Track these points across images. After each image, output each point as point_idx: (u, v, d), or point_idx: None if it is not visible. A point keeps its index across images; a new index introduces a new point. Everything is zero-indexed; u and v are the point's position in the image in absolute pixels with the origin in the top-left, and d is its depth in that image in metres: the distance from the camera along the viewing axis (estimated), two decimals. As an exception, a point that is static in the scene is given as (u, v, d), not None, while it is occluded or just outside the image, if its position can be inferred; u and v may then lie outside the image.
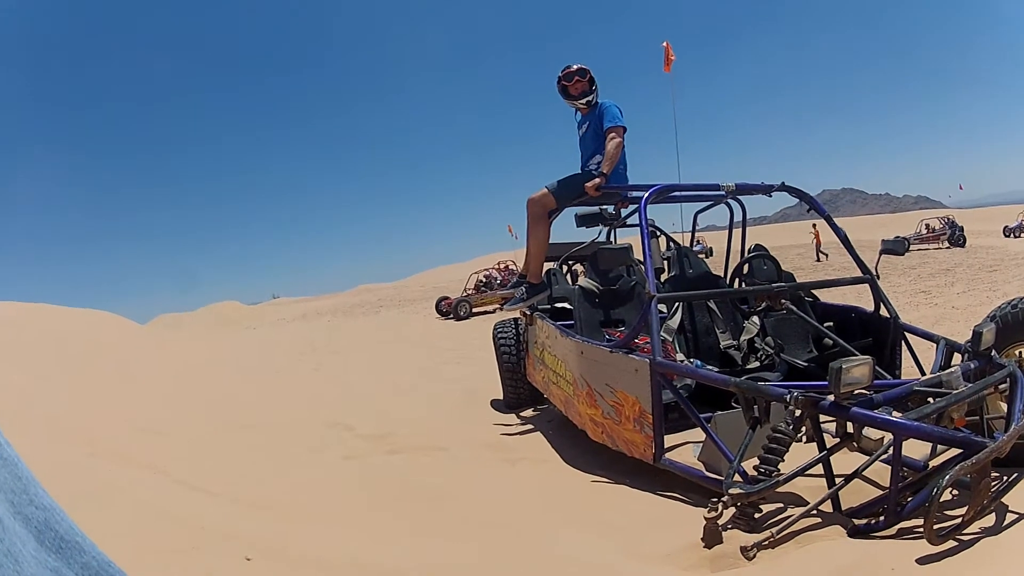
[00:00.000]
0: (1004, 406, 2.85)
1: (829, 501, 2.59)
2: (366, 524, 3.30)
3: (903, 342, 4.15)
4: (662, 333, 4.12)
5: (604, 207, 5.14)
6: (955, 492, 2.69)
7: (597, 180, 4.69)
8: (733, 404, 3.29)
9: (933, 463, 2.74)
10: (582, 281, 5.16)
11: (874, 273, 4.30)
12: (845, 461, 2.69)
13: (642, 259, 4.17)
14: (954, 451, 2.52)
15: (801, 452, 2.67)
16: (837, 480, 2.63)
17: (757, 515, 2.64)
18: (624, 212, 5.32)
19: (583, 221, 5.16)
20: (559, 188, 4.92)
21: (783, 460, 2.59)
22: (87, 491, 3.53)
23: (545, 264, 5.39)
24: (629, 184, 4.97)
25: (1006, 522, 2.36)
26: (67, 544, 0.71)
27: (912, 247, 23.81)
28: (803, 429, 2.64)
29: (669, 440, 3.50)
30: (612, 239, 6.22)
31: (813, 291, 4.99)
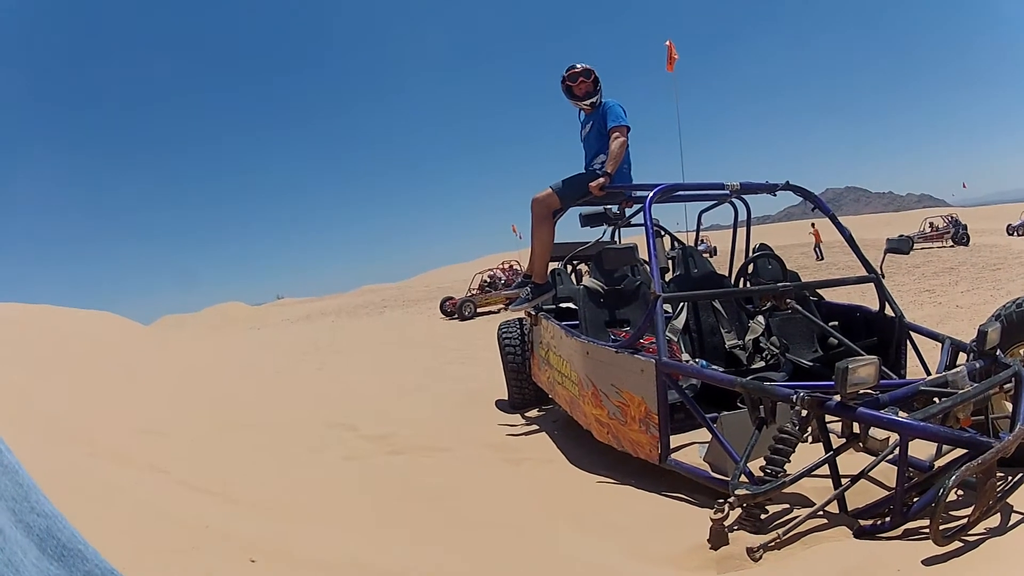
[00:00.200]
0: (1009, 406, 2.85)
1: (835, 502, 2.59)
2: (368, 525, 3.30)
3: (908, 341, 4.15)
4: (667, 333, 4.12)
5: (608, 207, 5.14)
6: (961, 492, 2.68)
7: (601, 180, 4.70)
8: (739, 404, 3.29)
9: (939, 463, 2.74)
10: (587, 281, 5.16)
11: (879, 272, 4.30)
12: (851, 461, 2.68)
13: (647, 259, 4.17)
14: (959, 451, 2.52)
15: (807, 452, 2.67)
16: (843, 481, 2.63)
17: (763, 516, 2.64)
18: (628, 212, 5.31)
19: (587, 221, 5.16)
20: (563, 188, 4.92)
21: (789, 461, 2.59)
22: (88, 492, 3.54)
23: (550, 264, 5.39)
24: (633, 184, 4.97)
25: (1012, 522, 2.35)
26: (69, 552, 0.71)
27: (916, 246, 23.75)
28: (809, 429, 2.64)
29: (675, 440, 3.50)
30: (617, 239, 6.22)
31: (818, 290, 4.99)
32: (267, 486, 4.04)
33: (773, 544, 2.41)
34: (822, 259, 23.73)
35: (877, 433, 2.52)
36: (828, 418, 2.65)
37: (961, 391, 2.63)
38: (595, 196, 4.79)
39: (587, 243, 5.97)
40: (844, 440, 2.61)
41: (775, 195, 4.59)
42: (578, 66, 5.06)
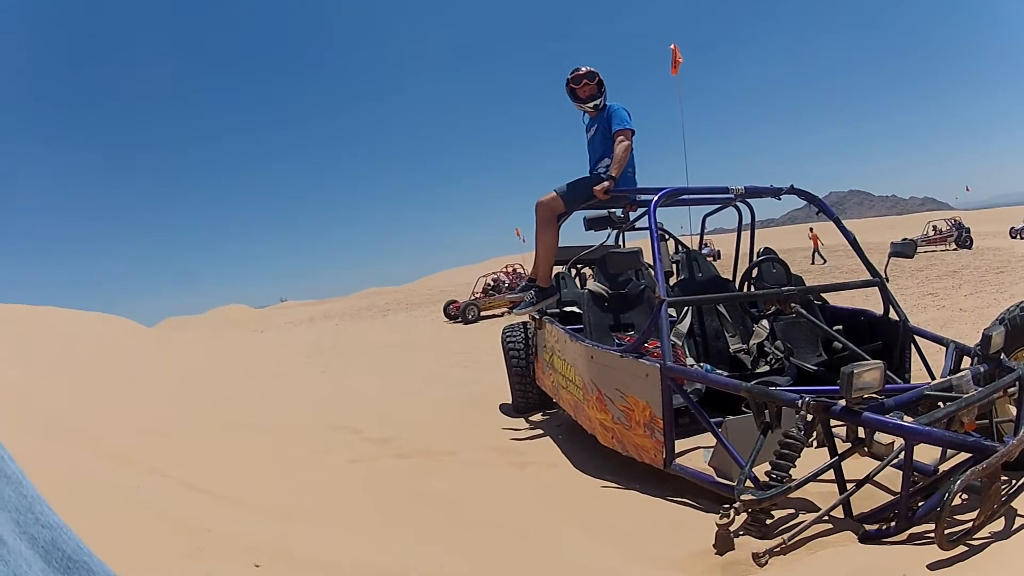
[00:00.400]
0: (1013, 410, 2.84)
1: (840, 506, 2.59)
2: (372, 528, 3.31)
3: (912, 345, 4.15)
4: (672, 337, 4.12)
5: (613, 210, 5.14)
6: (965, 497, 2.68)
7: (606, 183, 4.70)
8: (744, 409, 3.29)
9: (943, 468, 2.74)
10: (591, 285, 5.16)
11: (883, 276, 4.30)
12: (856, 466, 2.69)
13: (651, 263, 4.17)
14: (964, 455, 2.52)
15: (812, 457, 2.68)
16: (848, 485, 2.63)
17: (769, 521, 2.65)
18: (633, 215, 5.32)
19: (592, 225, 5.16)
20: (568, 191, 4.92)
21: (794, 465, 2.60)
22: (90, 493, 3.55)
23: (554, 268, 5.39)
24: (638, 187, 4.97)
25: (1016, 526, 2.35)
26: (75, 564, 0.70)
27: (919, 249, 23.71)
28: (814, 434, 2.64)
29: (679, 445, 3.50)
30: (621, 243, 6.22)
31: (822, 294, 4.99)
32: (271, 489, 4.04)
33: (778, 549, 2.41)
34: (825, 263, 23.73)
35: (882, 438, 2.51)
36: (833, 422, 2.65)
37: (965, 395, 2.63)
38: (599, 200, 4.80)
39: (591, 247, 5.98)
40: (849, 445, 2.61)
41: (779, 199, 4.59)
42: (582, 69, 5.06)
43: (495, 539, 3.06)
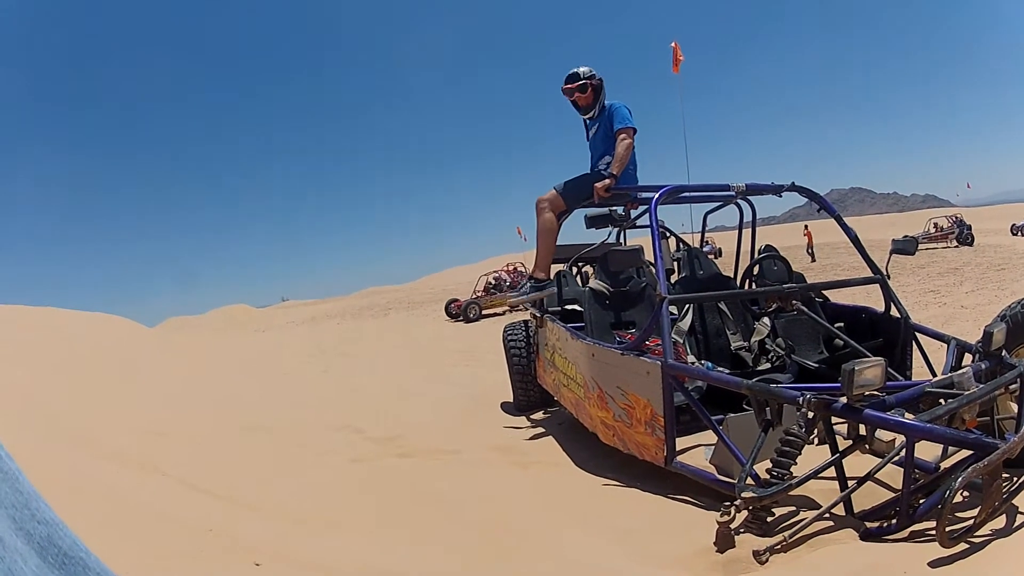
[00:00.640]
0: (1015, 407, 2.84)
1: (841, 504, 2.59)
2: (374, 529, 3.31)
3: (914, 342, 4.14)
4: (673, 335, 4.11)
5: (614, 208, 5.14)
6: (966, 494, 2.68)
7: (607, 181, 4.70)
8: (745, 406, 3.29)
9: (945, 465, 2.73)
10: (592, 283, 5.16)
11: (884, 273, 4.29)
12: (857, 463, 2.68)
13: (652, 260, 4.17)
14: (965, 452, 2.52)
15: (813, 454, 2.68)
16: (850, 483, 2.63)
17: (770, 519, 2.65)
18: (634, 213, 5.31)
19: (593, 223, 5.16)
20: (568, 189, 4.92)
21: (795, 463, 2.59)
22: (91, 494, 3.56)
23: (555, 266, 5.38)
24: (639, 185, 4.97)
25: (1017, 524, 2.35)
26: (71, 560, 0.70)
27: (921, 246, 23.73)
28: (815, 431, 2.64)
29: (681, 443, 3.50)
30: (622, 241, 6.22)
31: (823, 291, 4.98)
32: (272, 489, 4.05)
33: (779, 547, 2.41)
34: (813, 260, 23.90)
35: (883, 435, 2.51)
36: (834, 420, 2.65)
37: (967, 392, 2.63)
38: (600, 197, 4.79)
39: (592, 245, 5.98)
40: (850, 442, 2.61)
41: (780, 196, 4.58)
42: (580, 74, 5.01)
43: (496, 539, 3.06)
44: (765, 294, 4.56)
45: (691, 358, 4.50)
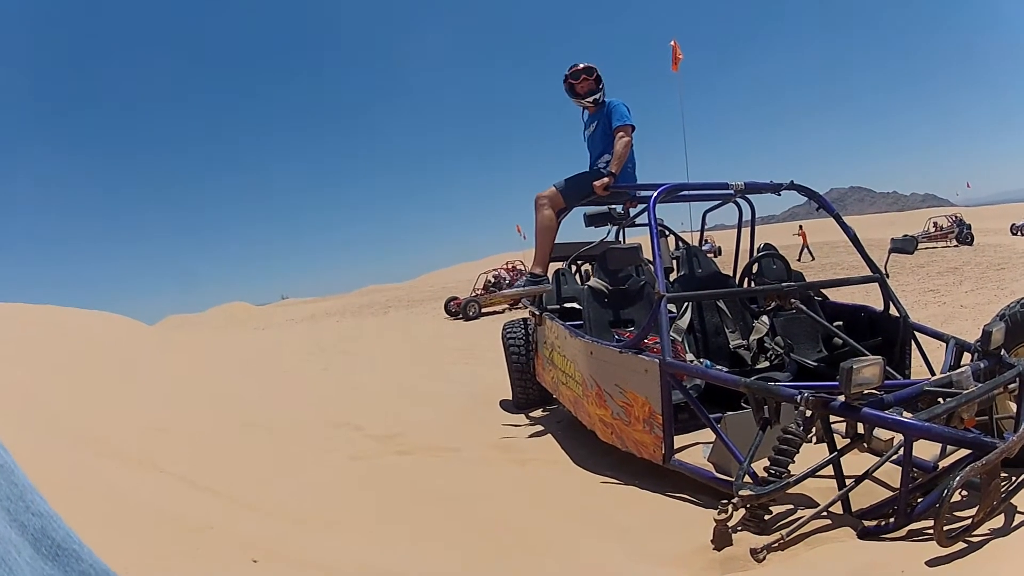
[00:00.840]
0: (1013, 406, 2.84)
1: (839, 502, 2.59)
2: (373, 527, 3.31)
3: (913, 341, 4.14)
4: (671, 333, 4.11)
5: (613, 206, 5.14)
6: (965, 493, 2.68)
7: (606, 179, 4.70)
8: (743, 405, 3.29)
9: (943, 464, 2.73)
10: (591, 281, 5.15)
11: (883, 272, 4.29)
12: (855, 462, 2.68)
13: (651, 259, 4.17)
14: (964, 452, 2.52)
15: (811, 453, 2.67)
16: (847, 481, 2.62)
17: (767, 517, 2.64)
18: (633, 211, 5.31)
19: (592, 221, 5.16)
20: (567, 187, 4.92)
21: (793, 461, 2.59)
22: (91, 491, 3.55)
23: (554, 264, 5.38)
24: (638, 183, 4.97)
25: (1015, 523, 2.35)
26: (64, 551, 0.70)
27: (920, 245, 23.76)
28: (813, 430, 2.64)
29: (679, 441, 3.50)
30: (621, 239, 6.22)
31: (822, 290, 4.98)
32: (272, 486, 4.05)
33: (777, 545, 2.41)
34: (813, 259, 23.96)
35: (881, 433, 2.51)
36: (832, 418, 2.65)
37: (965, 391, 2.63)
38: (599, 196, 4.80)
39: (591, 243, 5.97)
40: (848, 440, 2.61)
41: (779, 195, 4.58)
42: (580, 64, 5.08)
43: (495, 537, 3.06)
44: (764, 292, 4.56)
45: (690, 356, 4.51)
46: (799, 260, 23.78)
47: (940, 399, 2.67)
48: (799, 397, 2.61)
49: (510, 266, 23.93)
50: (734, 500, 2.57)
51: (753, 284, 5.12)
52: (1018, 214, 32.70)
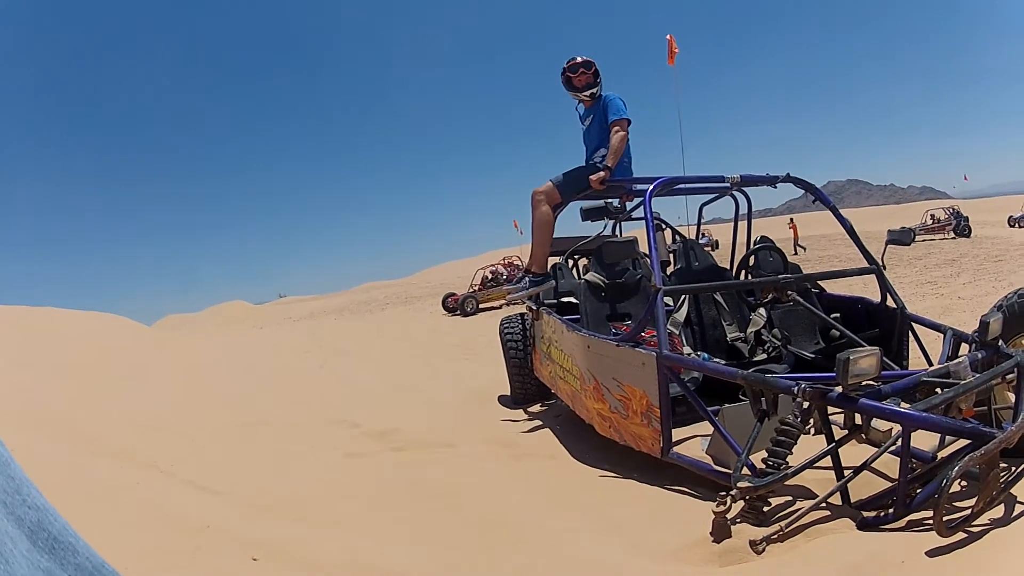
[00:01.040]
0: (1012, 396, 2.83)
1: (838, 494, 2.58)
2: (370, 524, 3.29)
3: (910, 332, 4.14)
4: (668, 326, 4.11)
5: (609, 200, 5.14)
6: (964, 483, 2.67)
7: (602, 173, 4.70)
8: (741, 397, 3.28)
9: (941, 454, 2.73)
10: (588, 275, 5.15)
11: (880, 264, 4.29)
12: (853, 453, 2.68)
13: (648, 252, 4.16)
14: (962, 442, 2.51)
15: (809, 444, 2.67)
16: (846, 472, 2.62)
17: (766, 509, 2.64)
18: (629, 205, 5.31)
19: (588, 215, 5.16)
20: (564, 182, 4.92)
21: (791, 453, 2.59)
22: (90, 490, 3.55)
23: (551, 258, 5.38)
24: (634, 177, 4.97)
25: (1015, 513, 2.34)
26: (60, 545, 0.71)
27: (918, 238, 23.83)
28: (811, 421, 2.63)
29: (677, 434, 3.49)
30: (618, 233, 6.21)
31: (819, 282, 4.98)
32: (270, 484, 4.04)
33: (776, 537, 2.40)
34: (796, 253, 24.14)
35: (879, 424, 2.51)
36: (830, 410, 2.64)
37: (963, 381, 2.62)
38: (596, 190, 4.79)
39: (588, 237, 5.97)
40: (846, 432, 2.60)
41: (776, 187, 4.59)
42: (578, 58, 5.07)
43: (493, 533, 3.05)
44: (761, 285, 4.56)
45: (687, 349, 4.50)
46: (795, 254, 23.88)
47: (938, 389, 2.66)
48: (796, 388, 2.61)
49: (507, 261, 23.97)
50: (732, 492, 2.56)
51: (750, 277, 5.11)
52: (1015, 206, 32.75)
